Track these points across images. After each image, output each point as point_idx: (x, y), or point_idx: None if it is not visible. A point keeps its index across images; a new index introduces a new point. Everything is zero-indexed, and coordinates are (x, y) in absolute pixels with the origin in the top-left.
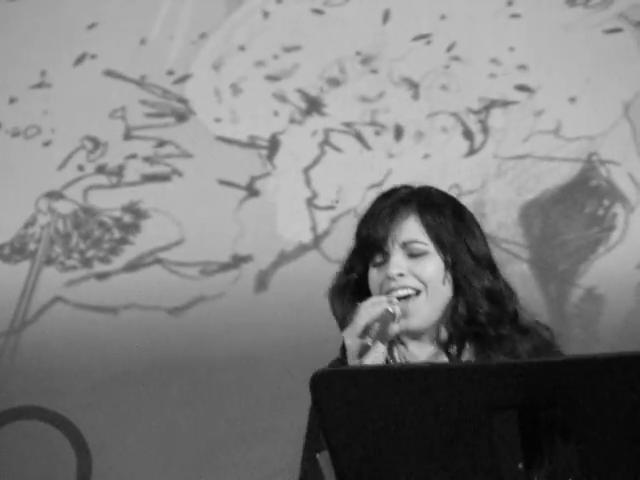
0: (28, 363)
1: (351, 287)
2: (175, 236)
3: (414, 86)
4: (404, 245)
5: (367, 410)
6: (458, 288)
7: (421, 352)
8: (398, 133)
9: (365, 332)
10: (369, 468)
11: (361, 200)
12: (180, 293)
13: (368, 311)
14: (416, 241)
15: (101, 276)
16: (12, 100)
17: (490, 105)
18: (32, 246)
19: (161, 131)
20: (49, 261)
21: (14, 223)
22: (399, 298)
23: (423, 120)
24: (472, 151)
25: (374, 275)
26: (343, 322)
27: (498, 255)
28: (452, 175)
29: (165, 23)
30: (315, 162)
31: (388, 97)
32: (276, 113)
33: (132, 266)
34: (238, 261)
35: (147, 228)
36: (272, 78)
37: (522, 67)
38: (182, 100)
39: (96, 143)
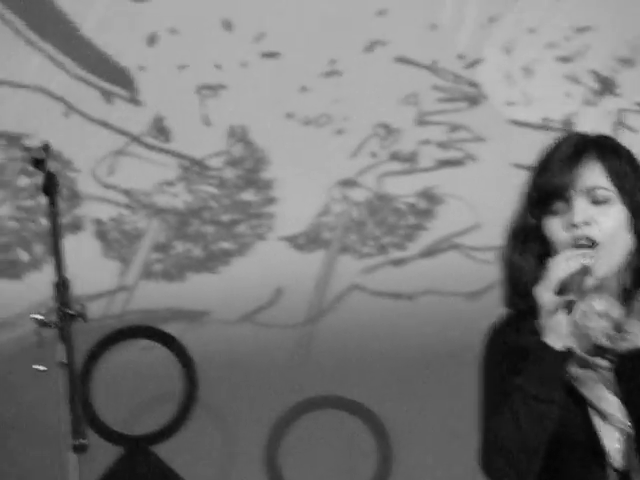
0: (325, 352)
1: (530, 237)
2: (470, 221)
3: None
4: (588, 192)
5: None
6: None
7: (598, 303)
8: None
9: (562, 288)
10: None
11: None
12: (477, 278)
13: (563, 266)
14: (601, 187)
15: (397, 263)
16: (303, 89)
17: None
18: (327, 235)
19: (454, 116)
20: (344, 249)
21: (308, 213)
22: (585, 247)
23: None
24: None
25: (555, 223)
26: (521, 275)
27: None
28: None
29: (455, 8)
30: None
31: None
32: (568, 95)
33: (428, 252)
34: None
35: (442, 213)
36: (564, 60)
37: None
38: (474, 84)
39: (389, 130)
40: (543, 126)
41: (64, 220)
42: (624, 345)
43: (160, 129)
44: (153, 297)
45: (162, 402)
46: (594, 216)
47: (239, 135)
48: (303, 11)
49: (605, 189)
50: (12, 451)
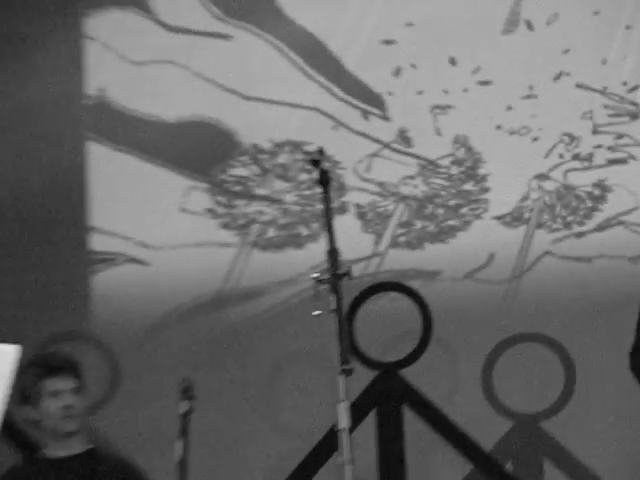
0: (526, 301)
1: None
2: (632, 204)
3: None
4: None
5: None
6: None
7: None
8: None
9: None
10: None
11: None
12: (637, 246)
13: None
14: None
15: (578, 235)
16: (508, 108)
17: None
18: (527, 215)
19: (619, 127)
20: (539, 225)
21: (513, 198)
22: None
23: None
24: None
25: None
26: None
27: None
28: None
29: (620, 47)
30: None
31: None
32: None
33: (601, 227)
34: None
35: (611, 199)
36: None
37: None
38: (634, 104)
39: (572, 137)
40: None
41: (334, 205)
42: None
43: (404, 138)
44: (399, 261)
45: (405, 339)
46: None
47: (462, 142)
48: (509, 50)
49: None
50: (295, 376)
